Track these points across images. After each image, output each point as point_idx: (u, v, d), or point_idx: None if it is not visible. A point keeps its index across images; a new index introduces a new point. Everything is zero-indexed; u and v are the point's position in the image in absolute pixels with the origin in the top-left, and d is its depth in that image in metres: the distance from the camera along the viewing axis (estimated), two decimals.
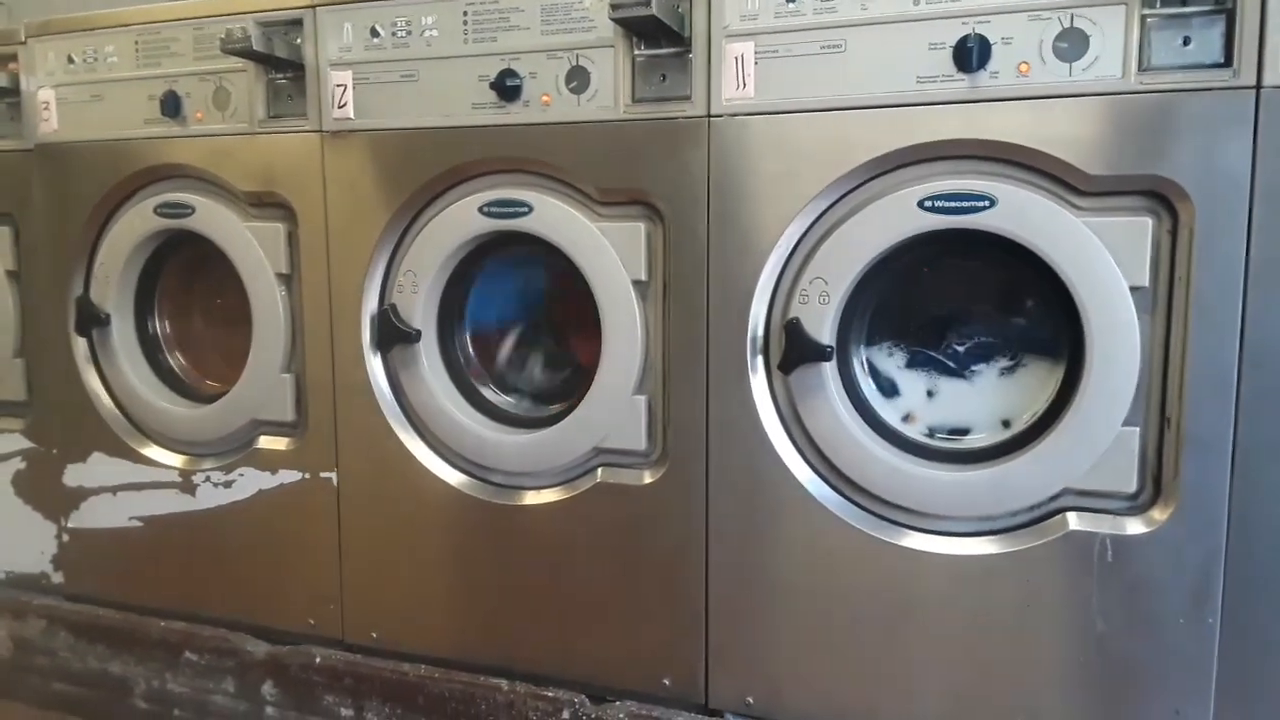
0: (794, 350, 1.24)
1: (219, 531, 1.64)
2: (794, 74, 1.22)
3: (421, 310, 1.45)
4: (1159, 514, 1.13)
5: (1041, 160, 1.13)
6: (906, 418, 1.30)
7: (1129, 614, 1.15)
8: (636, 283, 1.33)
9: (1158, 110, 1.08)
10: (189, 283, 1.74)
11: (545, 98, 1.34)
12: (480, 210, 1.39)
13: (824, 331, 1.23)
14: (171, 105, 1.56)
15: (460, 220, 1.41)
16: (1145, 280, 1.11)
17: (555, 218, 1.36)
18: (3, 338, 1.78)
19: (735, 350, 1.29)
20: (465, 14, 1.37)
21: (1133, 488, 1.15)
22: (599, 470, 1.40)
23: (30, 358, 1.78)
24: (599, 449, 1.38)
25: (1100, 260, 1.11)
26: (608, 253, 1.33)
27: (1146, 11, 1.08)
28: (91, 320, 1.67)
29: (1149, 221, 1.10)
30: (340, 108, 1.46)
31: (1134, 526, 1.14)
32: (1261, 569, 1.10)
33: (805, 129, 1.22)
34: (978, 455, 1.24)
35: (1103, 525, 1.16)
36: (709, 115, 1.26)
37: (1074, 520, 1.17)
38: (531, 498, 1.44)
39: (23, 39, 1.70)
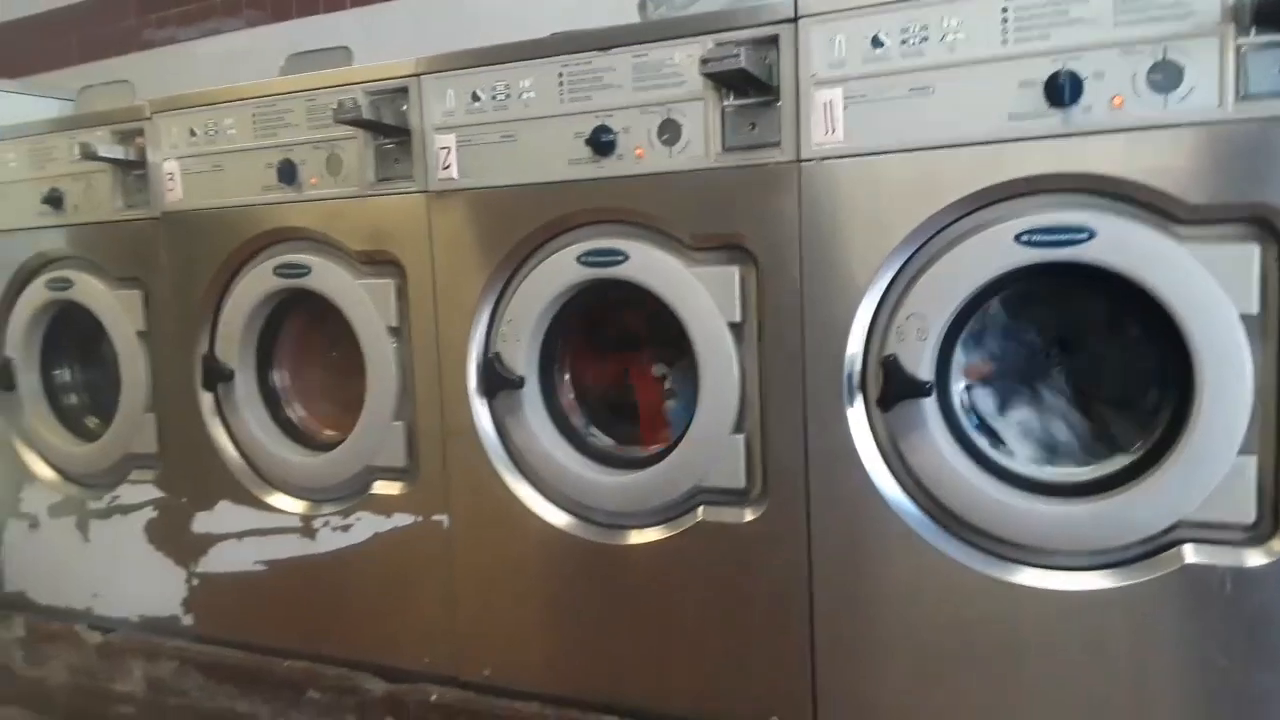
0: (892, 387, 1.25)
1: (339, 573, 1.71)
2: (883, 117, 1.24)
3: (524, 357, 1.50)
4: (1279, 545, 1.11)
5: (1140, 191, 1.12)
6: (1012, 451, 1.29)
7: (1252, 648, 1.12)
8: (731, 324, 1.36)
9: (1258, 137, 1.07)
10: (306, 338, 1.83)
11: (639, 151, 1.38)
12: (578, 260, 1.44)
13: (922, 367, 1.24)
14: (287, 172, 1.66)
15: (559, 269, 1.46)
16: (1254, 307, 1.09)
17: (650, 264, 1.40)
18: (135, 394, 1.89)
19: (832, 388, 1.30)
20: (560, 75, 1.43)
21: (1251, 518, 1.12)
22: (700, 509, 1.42)
23: (160, 412, 1.89)
24: (699, 488, 1.41)
25: (1207, 288, 1.10)
26: (702, 296, 1.36)
27: (1241, 40, 1.07)
28: (217, 376, 1.77)
29: (1255, 248, 1.09)
30: (445, 169, 1.53)
31: (1254, 558, 1.12)
32: None
33: (895, 170, 1.23)
34: (1087, 488, 1.22)
35: (1221, 557, 1.13)
36: (799, 160, 1.29)
37: (1191, 553, 1.15)
38: (635, 537, 1.48)
39: (148, 115, 1.82)
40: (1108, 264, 1.13)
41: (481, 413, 1.56)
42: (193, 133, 1.77)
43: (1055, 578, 1.22)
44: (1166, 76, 1.10)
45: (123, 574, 1.97)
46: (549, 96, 1.44)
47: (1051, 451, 1.29)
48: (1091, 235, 1.14)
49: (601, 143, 1.39)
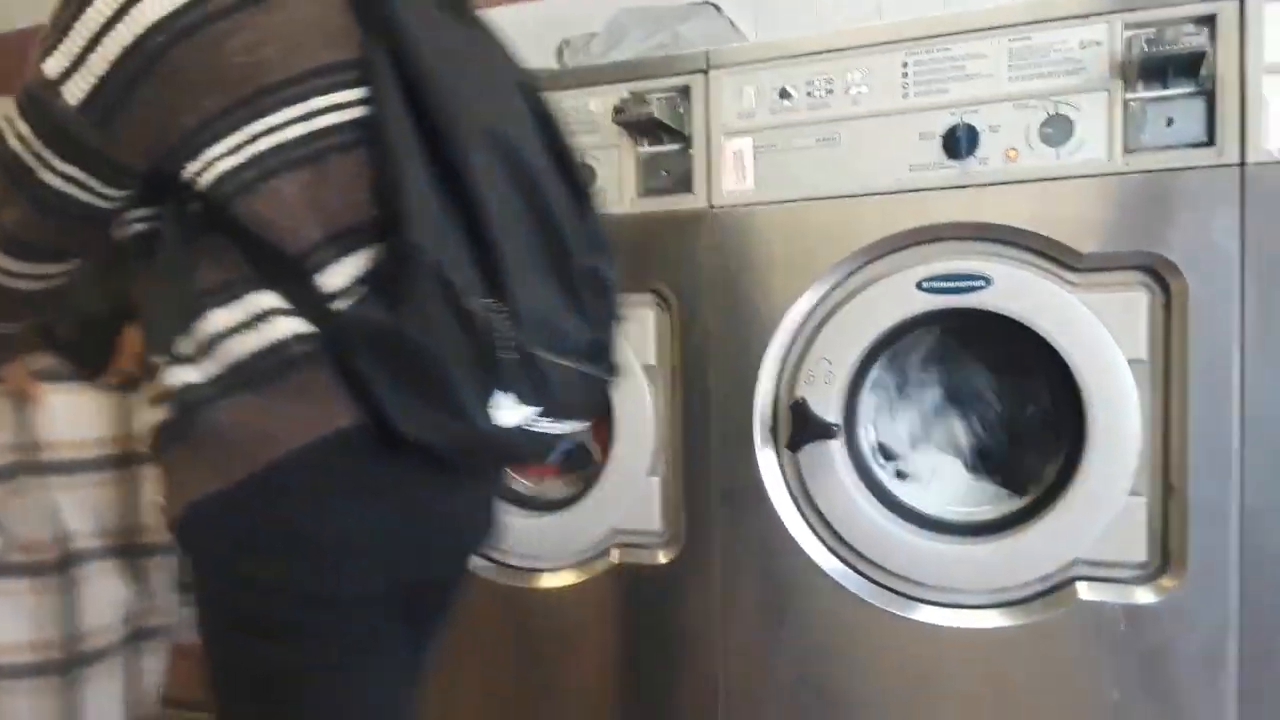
0: (801, 429, 1.27)
1: None
2: (791, 166, 1.27)
3: None
4: (1169, 582, 1.14)
5: (1034, 240, 1.17)
6: (914, 492, 1.31)
7: (1144, 683, 1.15)
8: (646, 367, 1.37)
9: (1146, 189, 1.12)
10: None
11: None
12: None
13: (830, 410, 1.26)
14: None
15: None
16: (1143, 353, 1.14)
17: None
18: None
19: (744, 430, 1.31)
20: None
21: (1142, 556, 1.16)
22: (614, 551, 1.42)
23: None
24: (615, 529, 1.41)
25: (1097, 335, 1.14)
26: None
27: (1129, 95, 1.13)
28: None
29: (1143, 296, 1.14)
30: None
31: (1145, 595, 1.15)
32: (1275, 635, 1.11)
33: (804, 217, 1.26)
34: (988, 528, 1.25)
35: (1114, 595, 1.17)
36: (711, 206, 1.31)
37: (1085, 590, 1.18)
38: (547, 580, 1.46)
39: None
40: (1004, 310, 1.17)
41: None
42: None
43: (960, 616, 1.24)
44: (1058, 130, 1.15)
45: None
46: None
47: (955, 492, 1.31)
48: (988, 283, 1.18)
49: None
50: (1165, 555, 1.16)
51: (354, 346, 0.74)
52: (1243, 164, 1.08)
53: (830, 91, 1.24)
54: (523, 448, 0.85)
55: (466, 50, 0.85)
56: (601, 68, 1.40)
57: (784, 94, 1.26)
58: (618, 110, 1.29)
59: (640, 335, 1.36)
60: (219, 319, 0.77)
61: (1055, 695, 1.19)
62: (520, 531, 1.47)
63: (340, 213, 0.76)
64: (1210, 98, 1.10)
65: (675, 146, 1.33)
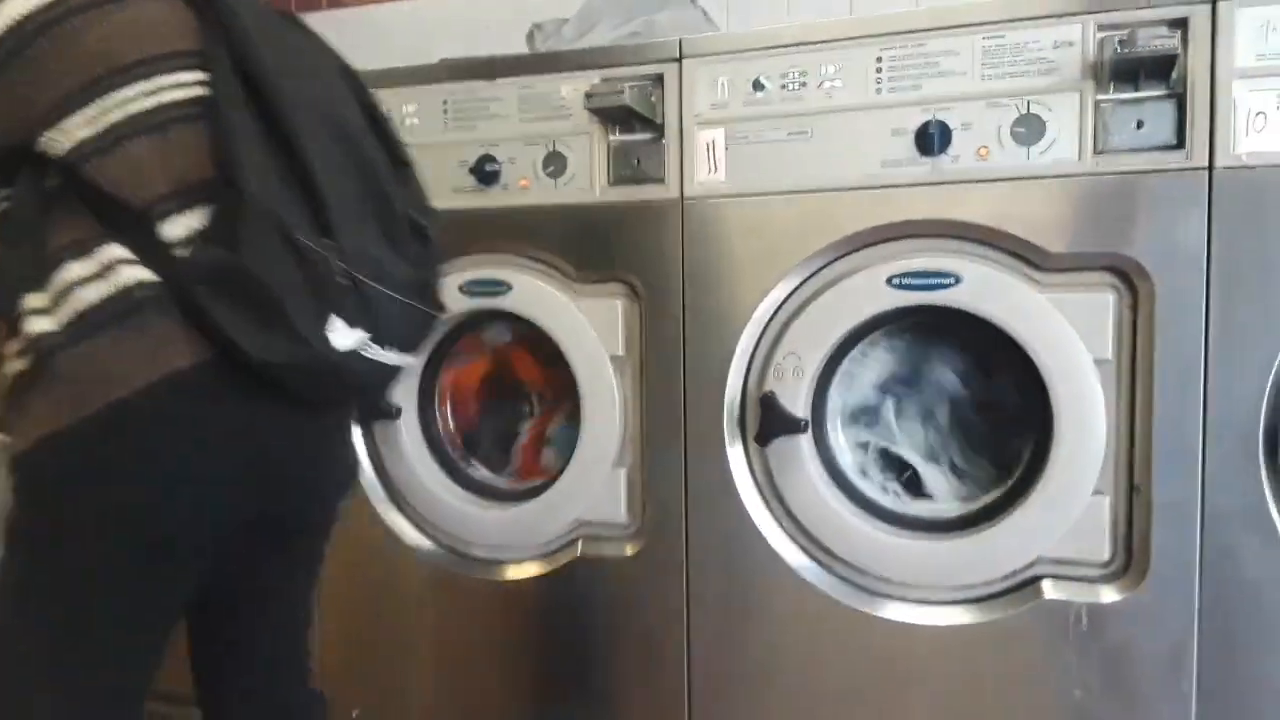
0: (769, 423, 1.26)
1: None
2: (763, 158, 1.26)
3: (402, 387, 1.47)
4: (1132, 581, 1.15)
5: (1004, 239, 1.17)
6: (881, 488, 1.31)
7: (1106, 682, 1.16)
8: (614, 358, 1.35)
9: (1115, 191, 1.12)
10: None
11: (524, 182, 1.37)
12: (460, 289, 1.41)
13: (798, 404, 1.26)
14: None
15: None
16: (1109, 353, 1.14)
17: (534, 296, 1.39)
18: None
19: (712, 424, 1.31)
20: (445, 103, 1.41)
21: (1105, 555, 1.17)
22: (579, 543, 1.41)
23: None
24: (580, 521, 1.40)
25: (1063, 334, 1.14)
26: (585, 328, 1.36)
27: (1100, 97, 1.13)
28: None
29: (1110, 297, 1.14)
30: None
31: (1108, 594, 1.16)
32: (1235, 636, 1.12)
33: (775, 210, 1.25)
34: (953, 525, 1.25)
35: (1077, 593, 1.17)
36: (682, 197, 1.30)
37: (1049, 589, 1.19)
38: (512, 571, 1.45)
39: None
40: (972, 308, 1.17)
41: (359, 443, 1.52)
42: None
43: (925, 612, 1.25)
44: (1029, 129, 1.15)
45: None
46: (434, 123, 1.43)
47: (921, 488, 1.31)
48: (957, 280, 1.17)
49: (486, 172, 1.38)
50: (1128, 554, 1.16)
51: (194, 285, 0.83)
52: (1211, 168, 1.09)
53: (804, 84, 1.23)
54: (360, 374, 0.93)
55: (292, 42, 0.97)
56: (574, 53, 1.38)
57: (757, 85, 1.25)
58: (589, 96, 1.28)
59: (608, 325, 1.35)
60: (73, 270, 0.84)
61: (1019, 693, 1.20)
62: (485, 522, 1.45)
63: (184, 172, 0.85)
64: (1181, 101, 1.10)
65: (647, 136, 1.32)
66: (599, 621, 1.39)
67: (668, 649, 1.35)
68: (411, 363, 1.02)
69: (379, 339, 0.90)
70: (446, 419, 1.55)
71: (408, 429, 1.48)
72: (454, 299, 1.42)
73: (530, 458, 1.54)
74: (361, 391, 1.05)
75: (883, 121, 1.20)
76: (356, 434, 1.51)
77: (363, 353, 0.90)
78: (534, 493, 1.44)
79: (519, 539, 1.44)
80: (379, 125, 1.01)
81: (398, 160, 1.02)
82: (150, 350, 0.84)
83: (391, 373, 0.97)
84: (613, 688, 1.39)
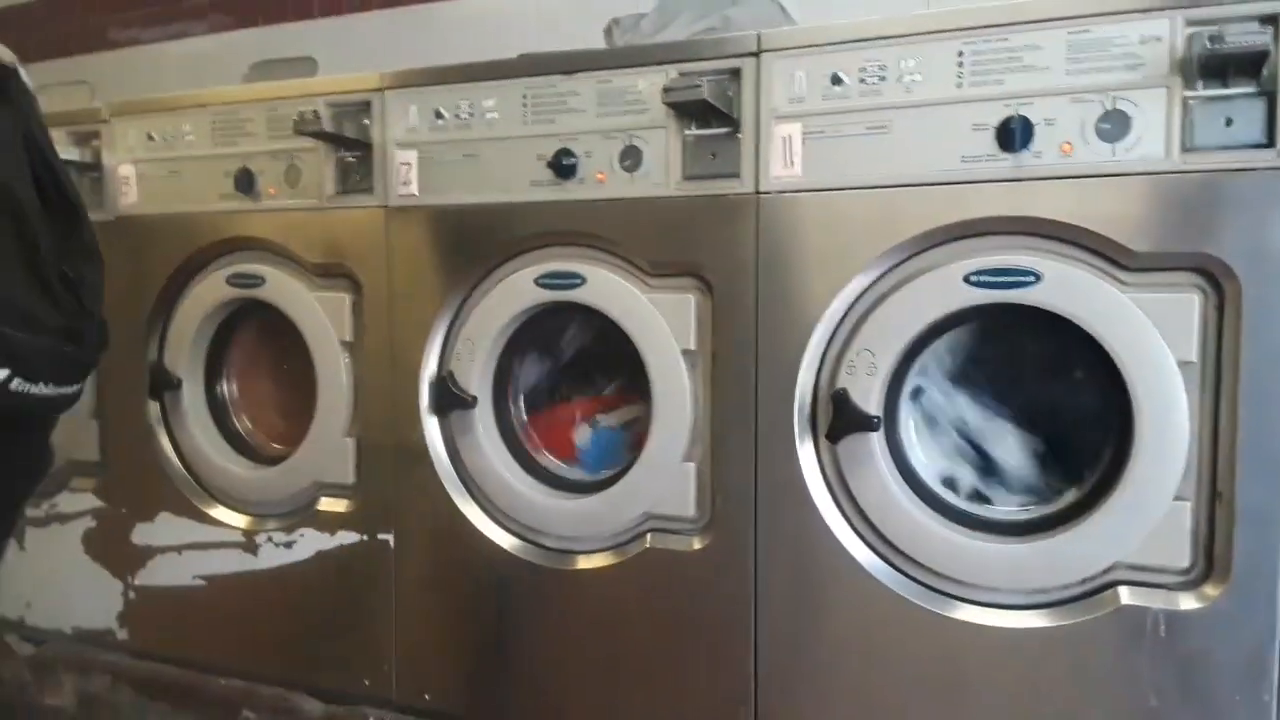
0: (841, 420, 1.26)
1: (279, 591, 1.68)
2: (840, 153, 1.26)
3: (478, 377, 1.50)
4: (1212, 589, 1.13)
5: (1086, 237, 1.15)
6: (955, 489, 1.30)
7: (1183, 691, 1.14)
8: (686, 352, 1.36)
9: (1202, 189, 1.10)
10: (257, 349, 1.81)
11: (600, 175, 1.39)
12: (536, 281, 1.44)
13: (871, 402, 1.25)
14: (245, 181, 1.64)
15: (517, 291, 1.46)
16: (1193, 355, 1.12)
17: (608, 289, 1.40)
18: (79, 399, 1.86)
19: (783, 419, 1.31)
20: (525, 97, 1.43)
21: (1185, 563, 1.14)
22: (648, 536, 1.42)
23: (104, 420, 1.85)
24: (649, 514, 1.41)
25: (1147, 335, 1.12)
26: (658, 322, 1.37)
27: (1188, 93, 1.11)
28: (164, 384, 1.74)
29: (1195, 298, 1.11)
30: (405, 185, 1.53)
31: (1187, 602, 1.14)
32: None
33: (851, 206, 1.25)
34: (1028, 528, 1.24)
35: (1155, 600, 1.15)
36: (758, 192, 1.30)
37: (1126, 595, 1.16)
38: (583, 562, 1.47)
39: (105, 117, 1.80)
40: (1053, 307, 1.16)
41: (433, 432, 1.55)
42: (150, 137, 1.75)
43: (996, 615, 1.23)
44: (1115, 126, 1.13)
45: (57, 584, 1.92)
46: (513, 117, 1.44)
47: (996, 490, 1.30)
48: (1038, 279, 1.16)
49: (563, 165, 1.40)
50: (1209, 562, 1.14)
51: None
52: None
53: (883, 79, 1.23)
54: (13, 406, 1.10)
55: None
56: (651, 47, 1.40)
57: (836, 79, 1.25)
58: (666, 90, 1.29)
59: (681, 319, 1.36)
60: None
61: (1092, 699, 1.18)
62: (557, 513, 1.47)
63: None
64: (1271, 99, 1.08)
65: (723, 130, 1.32)
66: (667, 613, 1.40)
67: (735, 643, 1.36)
68: (74, 391, 1.22)
69: (26, 376, 1.09)
70: (521, 410, 1.57)
71: (482, 419, 1.51)
72: (530, 291, 1.45)
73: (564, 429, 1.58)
74: (22, 416, 1.19)
75: (963, 116, 1.19)
76: (431, 423, 1.54)
77: (9, 387, 1.08)
78: (605, 484, 1.46)
79: (588, 530, 1.46)
80: (54, 176, 1.18)
81: (70, 214, 1.19)
82: None
83: (51, 402, 1.16)
84: (679, 680, 1.40)
